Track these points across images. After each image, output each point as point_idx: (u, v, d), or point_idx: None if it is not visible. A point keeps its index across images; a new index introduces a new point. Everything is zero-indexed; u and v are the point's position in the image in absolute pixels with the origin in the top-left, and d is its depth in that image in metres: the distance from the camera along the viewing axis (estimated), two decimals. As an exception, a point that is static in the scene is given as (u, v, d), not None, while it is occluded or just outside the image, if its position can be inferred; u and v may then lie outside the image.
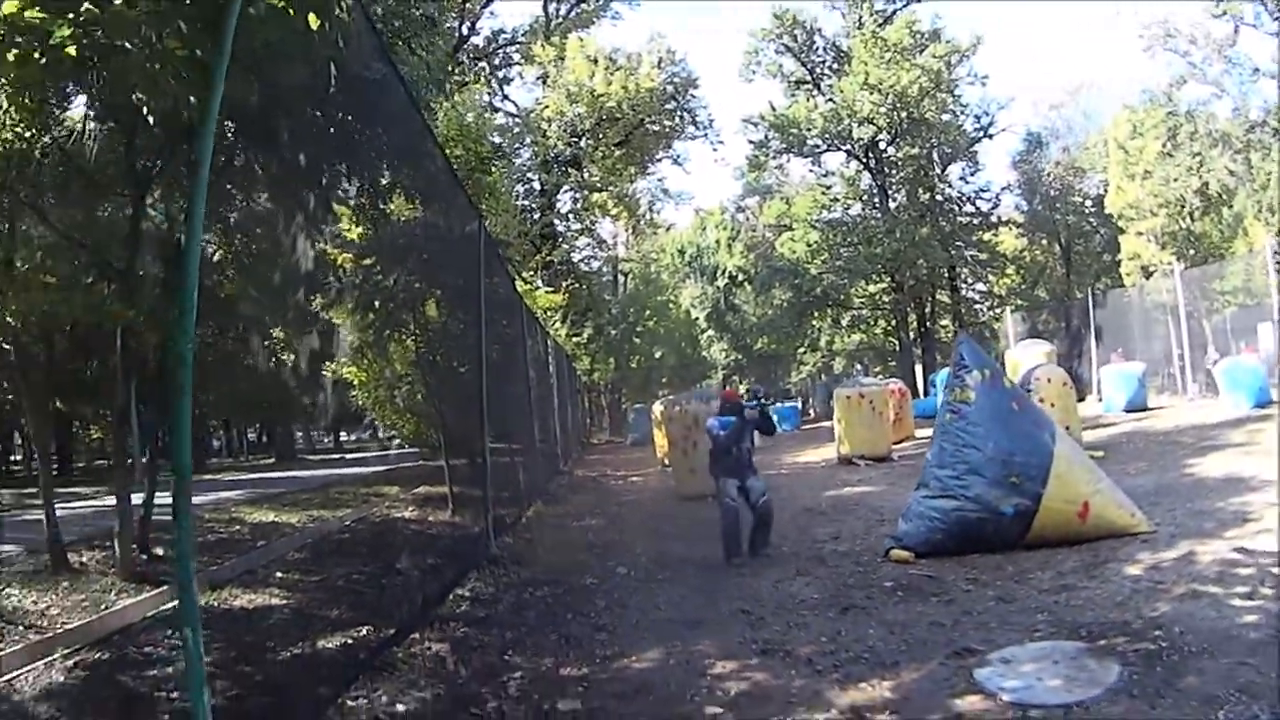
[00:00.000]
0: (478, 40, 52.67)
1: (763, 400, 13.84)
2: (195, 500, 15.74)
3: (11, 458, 42.31)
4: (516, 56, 57.12)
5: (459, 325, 15.31)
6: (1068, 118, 71.03)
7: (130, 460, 13.59)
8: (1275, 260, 35.81)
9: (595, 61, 53.47)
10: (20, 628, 9.27)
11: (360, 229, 13.49)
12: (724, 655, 8.07)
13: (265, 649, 8.37)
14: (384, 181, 11.58)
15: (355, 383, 19.11)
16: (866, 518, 15.35)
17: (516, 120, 55.17)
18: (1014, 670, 6.94)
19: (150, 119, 8.03)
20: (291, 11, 6.00)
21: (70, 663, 8.16)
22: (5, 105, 9.42)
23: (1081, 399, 35.09)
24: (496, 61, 55.94)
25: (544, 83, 56.04)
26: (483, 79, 51.22)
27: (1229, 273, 43.69)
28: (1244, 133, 49.14)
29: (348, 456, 48.11)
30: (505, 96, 57.23)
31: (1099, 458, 19.24)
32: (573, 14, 56.50)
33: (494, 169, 26.24)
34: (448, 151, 21.56)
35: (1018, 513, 11.11)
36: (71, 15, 6.21)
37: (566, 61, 53.54)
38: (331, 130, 9.34)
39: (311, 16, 6.10)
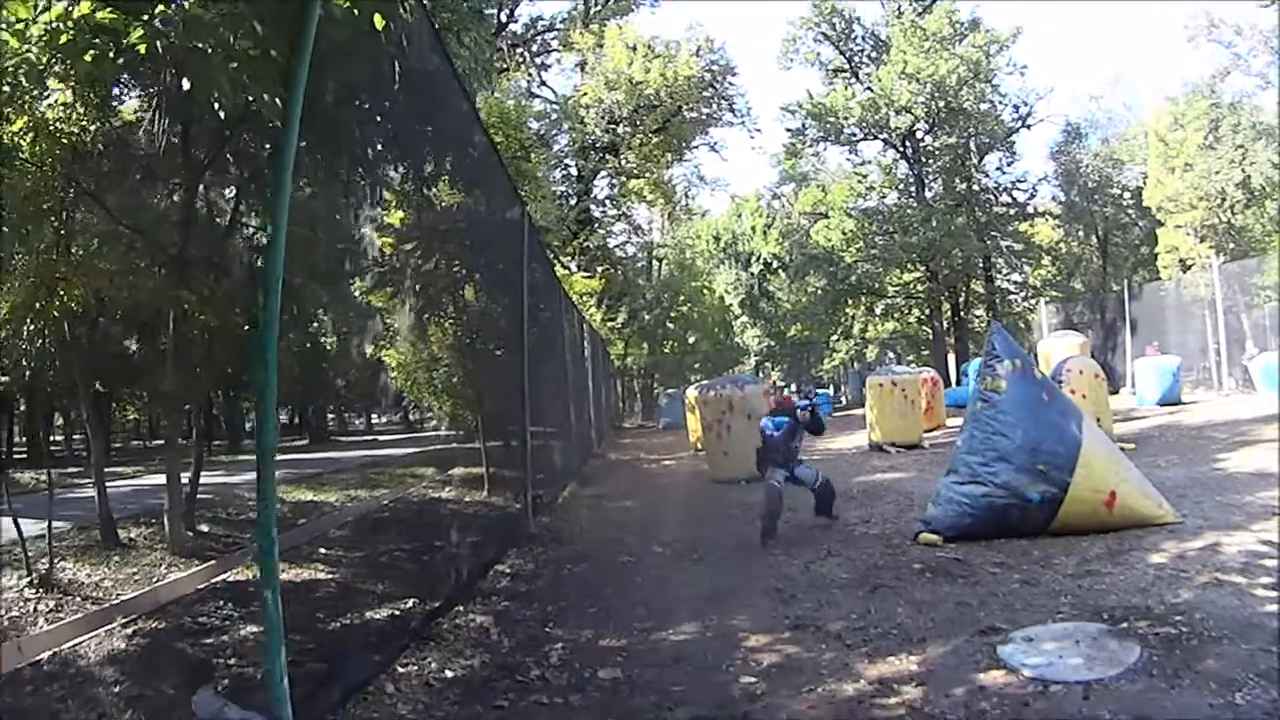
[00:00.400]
0: (516, 27, 52.64)
1: (813, 401, 14.37)
2: (232, 480, 16.16)
3: (53, 438, 42.82)
4: (555, 44, 56.96)
5: (499, 309, 15.56)
6: (1108, 109, 70.55)
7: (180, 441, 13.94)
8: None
9: (634, 49, 53.47)
10: (78, 599, 9.64)
11: (406, 215, 13.78)
12: (757, 630, 8.34)
13: (315, 619, 8.69)
14: (433, 169, 11.90)
15: (393, 365, 19.36)
16: (897, 502, 15.57)
17: (555, 107, 55.14)
18: (1036, 648, 7.15)
19: (213, 111, 8.38)
20: (357, 12, 6.32)
21: (129, 631, 8.51)
22: (72, 100, 9.77)
23: (1115, 392, 35.19)
24: (535, 48, 55.74)
25: (582, 70, 56.07)
26: (522, 66, 51.44)
27: (1270, 267, 43.20)
28: (1291, 126, 48.14)
29: (380, 438, 48.31)
30: (543, 83, 57.38)
31: (1129, 450, 19.26)
32: (612, 1, 56.30)
33: (534, 156, 26.45)
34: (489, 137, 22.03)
35: (1044, 500, 11.22)
36: (145, 17, 6.53)
37: (605, 49, 53.57)
38: (386, 122, 9.67)
39: (377, 17, 6.44)
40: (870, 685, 6.69)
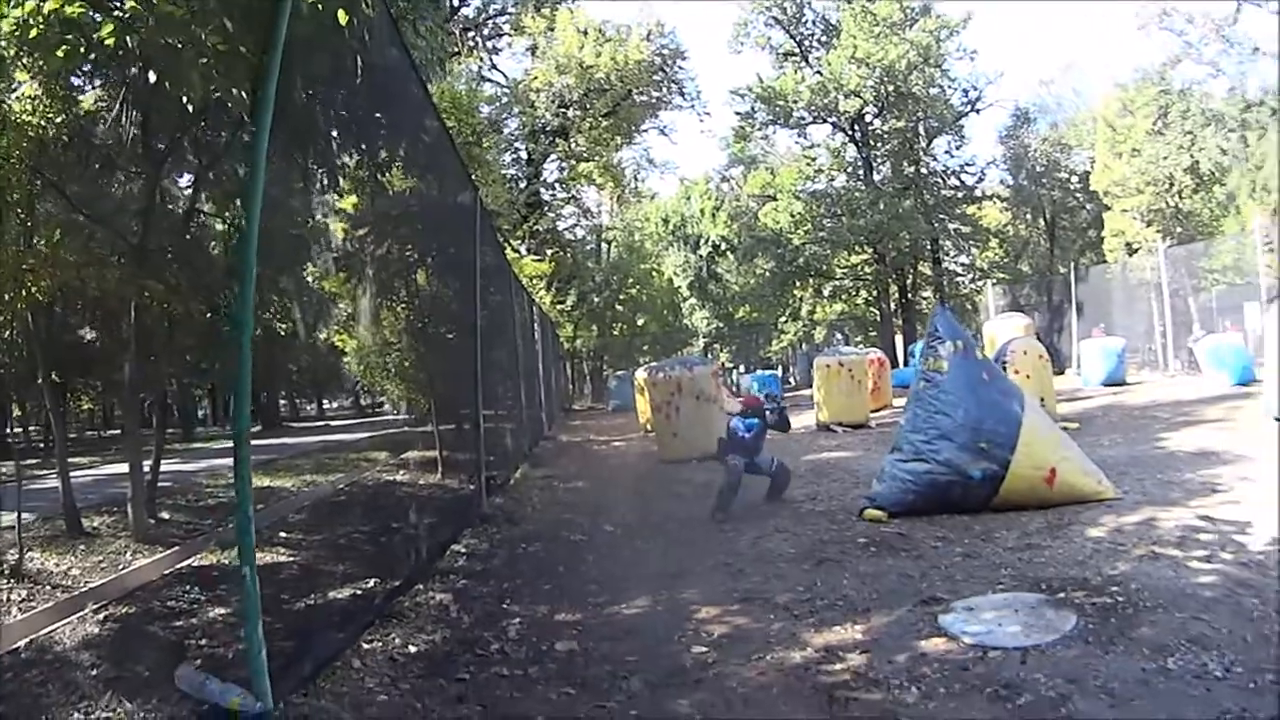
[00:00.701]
0: (469, 11, 52.44)
1: (781, 404, 15.09)
2: (189, 468, 16.41)
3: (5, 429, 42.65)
4: (506, 28, 56.74)
5: (451, 293, 15.77)
6: (1058, 94, 71.30)
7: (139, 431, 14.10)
8: (1265, 240, 36.37)
9: (585, 33, 53.64)
10: (48, 587, 9.85)
11: (361, 201, 13.99)
12: (707, 603, 8.64)
13: (280, 600, 8.92)
14: (388, 156, 12.13)
15: (347, 350, 19.53)
16: (843, 480, 15.96)
17: (505, 91, 55.28)
18: (976, 617, 7.47)
19: (176, 103, 8.60)
20: (321, 7, 6.57)
21: (101, 617, 8.74)
22: (39, 93, 9.95)
23: (1061, 372, 35.64)
24: (486, 32, 55.48)
25: (533, 54, 56.09)
26: (474, 50, 51.42)
27: (1218, 251, 44.03)
28: (1239, 112, 49.29)
29: (333, 424, 48.41)
30: (494, 67, 57.23)
31: (1073, 429, 20.05)
32: None
33: (485, 141, 26.67)
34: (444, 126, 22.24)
35: (986, 477, 11.55)
36: (115, 12, 6.76)
37: (556, 33, 53.67)
38: (346, 111, 9.91)
39: (340, 13, 6.69)
40: (817, 653, 6.99)
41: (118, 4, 7.31)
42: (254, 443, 21.88)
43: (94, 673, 7.15)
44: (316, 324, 19.49)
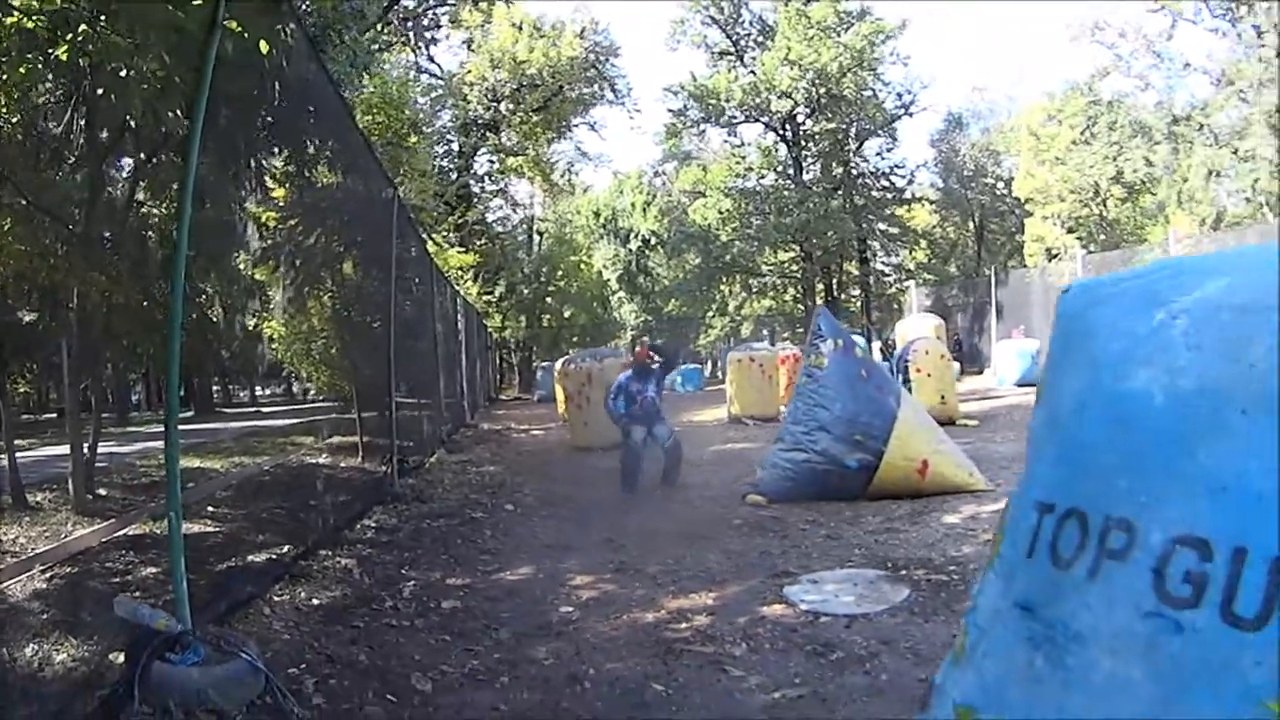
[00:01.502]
0: (409, 2, 52.30)
1: (663, 352, 16.37)
2: (122, 450, 17.18)
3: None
4: (444, 20, 55.96)
5: (371, 284, 16.41)
6: (991, 100, 72.30)
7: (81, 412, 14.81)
8: (1179, 249, 37.47)
9: (520, 28, 54.17)
10: (-1, 553, 10.72)
11: (286, 195, 14.66)
12: (584, 572, 9.49)
13: (204, 562, 9.73)
14: (310, 157, 12.95)
15: (274, 337, 20.17)
16: (739, 469, 16.37)
17: (440, 83, 55.54)
18: (818, 588, 8.29)
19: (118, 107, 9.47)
20: (246, 35, 7.50)
21: (47, 576, 9.57)
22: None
23: (979, 372, 36.59)
24: (426, 23, 54.90)
25: (469, 48, 56.64)
26: (410, 42, 51.53)
27: (1141, 259, 44.68)
28: (1166, 125, 50.06)
29: (264, 409, 48.58)
30: (431, 59, 56.68)
31: (971, 426, 21.08)
32: None
33: (413, 135, 27.20)
34: (370, 118, 22.93)
35: (861, 466, 12.34)
36: (70, 36, 7.66)
37: (492, 27, 54.20)
38: (270, 119, 10.79)
39: (262, 43, 7.64)
40: (668, 614, 7.80)
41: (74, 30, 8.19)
42: (188, 427, 22.54)
43: (44, 617, 7.96)
44: (245, 311, 20.05)
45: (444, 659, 6.88)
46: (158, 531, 11.51)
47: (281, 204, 14.76)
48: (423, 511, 13.42)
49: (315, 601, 8.29)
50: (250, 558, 10.06)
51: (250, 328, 20.93)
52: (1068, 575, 2.77)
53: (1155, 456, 2.61)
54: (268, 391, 70.40)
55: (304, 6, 10.23)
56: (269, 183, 13.51)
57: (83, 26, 7.81)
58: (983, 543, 9.48)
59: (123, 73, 8.39)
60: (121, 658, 5.83)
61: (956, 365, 38.77)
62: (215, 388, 55.72)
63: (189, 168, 6.33)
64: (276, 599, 8.22)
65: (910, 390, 20.63)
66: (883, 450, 12.48)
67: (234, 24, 7.25)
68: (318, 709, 5.79)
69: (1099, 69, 53.39)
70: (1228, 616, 2.32)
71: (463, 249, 43.31)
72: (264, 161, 12.28)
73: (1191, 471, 2.50)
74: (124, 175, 14.01)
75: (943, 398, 21.83)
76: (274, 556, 9.97)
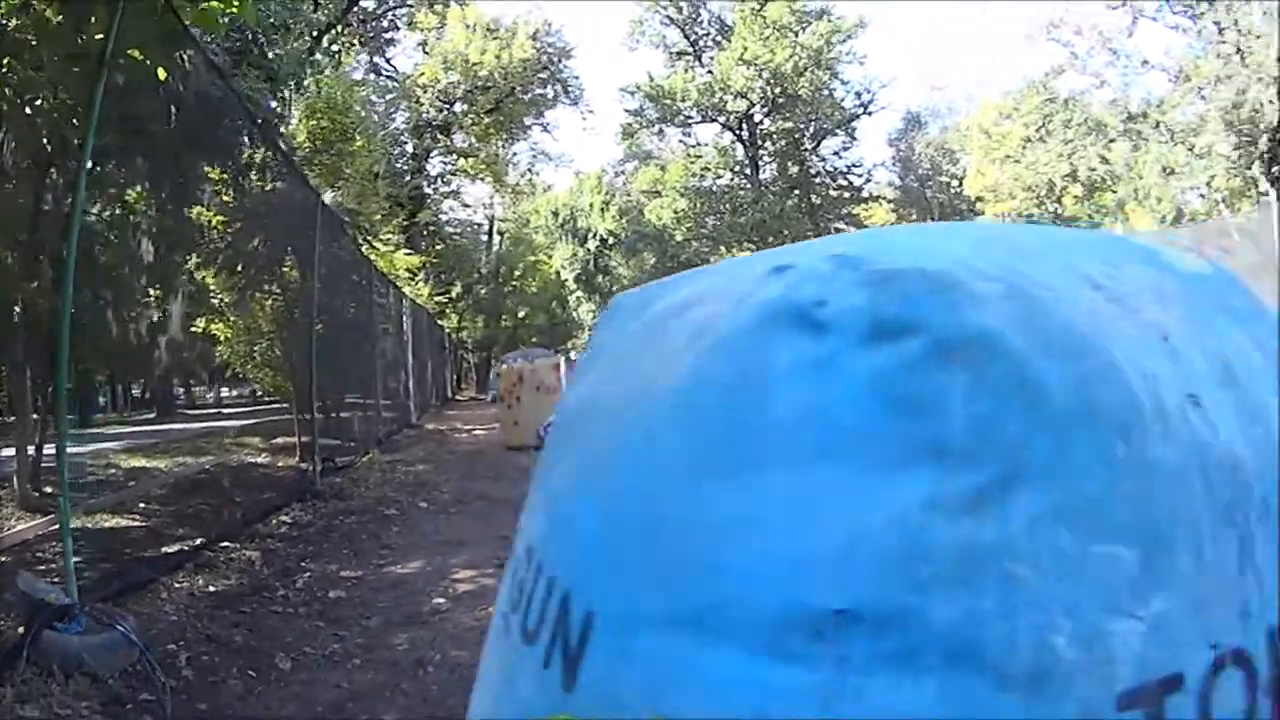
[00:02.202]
0: (369, 3, 52.26)
1: None
2: (79, 450, 17.74)
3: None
4: (401, 22, 56.42)
5: (301, 287, 16.92)
6: (951, 99, 72.91)
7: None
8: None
9: (473, 29, 54.61)
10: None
11: (220, 202, 15.17)
12: (469, 567, 9.99)
13: (120, 552, 10.34)
14: (232, 169, 13.58)
15: (221, 339, 20.59)
16: None
17: (395, 85, 55.96)
18: None
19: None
20: (148, 61, 8.13)
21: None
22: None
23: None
24: (384, 24, 55.17)
25: (424, 50, 56.96)
26: (369, 43, 51.54)
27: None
28: (1122, 122, 50.89)
29: (225, 411, 48.67)
30: (388, 60, 57.61)
31: None
32: None
33: (357, 138, 27.45)
34: (314, 122, 23.41)
35: None
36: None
37: (446, 29, 54.66)
38: (192, 132, 11.42)
39: (161, 70, 8.29)
40: None
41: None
42: (147, 428, 23.07)
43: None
44: (195, 315, 20.42)
45: (310, 642, 7.39)
46: (88, 525, 12.09)
47: (209, 212, 15.27)
48: (338, 508, 13.88)
49: (211, 589, 8.83)
50: (164, 549, 10.57)
51: (196, 329, 21.29)
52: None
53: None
54: (234, 393, 70.46)
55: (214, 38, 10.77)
56: (195, 192, 14.04)
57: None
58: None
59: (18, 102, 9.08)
60: (21, 628, 6.53)
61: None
62: (181, 390, 55.74)
63: (78, 186, 7.03)
64: (177, 585, 8.76)
65: None
66: None
67: (136, 52, 7.85)
68: (185, 679, 6.40)
69: (1054, 67, 53.94)
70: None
71: (411, 250, 43.48)
72: (183, 174, 12.83)
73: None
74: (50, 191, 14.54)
75: None
76: (184, 548, 10.46)
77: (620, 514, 1.85)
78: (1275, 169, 41.14)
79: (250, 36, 15.72)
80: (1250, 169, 44.06)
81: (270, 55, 15.90)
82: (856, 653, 1.55)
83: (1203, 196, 50.35)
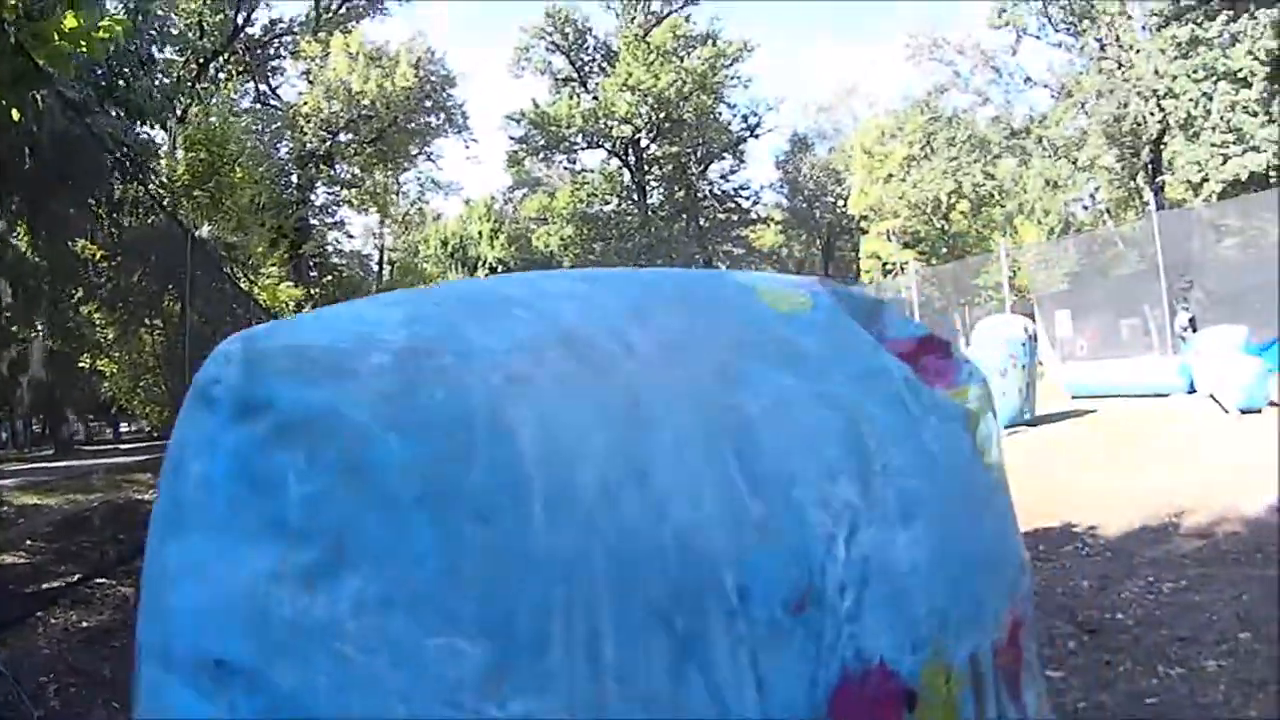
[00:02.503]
0: (255, 30, 51.96)
1: None
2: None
3: None
4: (286, 51, 56.73)
5: (185, 322, 16.92)
6: (836, 120, 73.49)
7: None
8: (1009, 260, 38.82)
9: (356, 58, 54.32)
10: None
11: (94, 239, 15.13)
12: None
13: (1, 588, 10.42)
14: (101, 203, 13.61)
15: (107, 374, 20.38)
16: None
17: (280, 114, 55.28)
18: None
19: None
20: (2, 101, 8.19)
21: None
22: None
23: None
24: (270, 52, 55.52)
25: (308, 79, 56.35)
26: (256, 71, 51.03)
27: (985, 269, 46.19)
28: (1005, 139, 51.89)
29: (122, 447, 48.32)
30: (273, 90, 57.42)
31: None
32: (343, 9, 56.14)
33: (238, 169, 27.25)
34: (192, 155, 23.32)
35: None
36: None
37: (330, 59, 54.14)
38: (55, 171, 11.45)
39: (14, 112, 8.35)
40: None
41: None
42: (44, 465, 23.03)
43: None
44: (83, 350, 20.28)
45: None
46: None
47: (91, 246, 15.22)
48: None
49: (84, 624, 8.89)
50: (43, 584, 10.60)
51: (87, 366, 21.13)
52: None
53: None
54: (132, 428, 69.57)
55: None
56: (65, 230, 14.03)
57: None
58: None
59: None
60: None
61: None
62: (78, 426, 55.11)
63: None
64: (53, 620, 8.84)
65: None
66: None
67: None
68: (51, 709, 6.49)
69: (937, 86, 54.91)
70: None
71: (296, 282, 43.03)
72: (51, 213, 12.85)
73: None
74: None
75: None
76: (63, 584, 10.46)
77: (145, 563, 1.89)
78: (1158, 179, 43.05)
79: (114, 70, 15.70)
80: (1134, 180, 46.07)
81: (135, 89, 15.82)
82: (240, 702, 1.62)
83: (1086, 208, 53.26)
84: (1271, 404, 16.63)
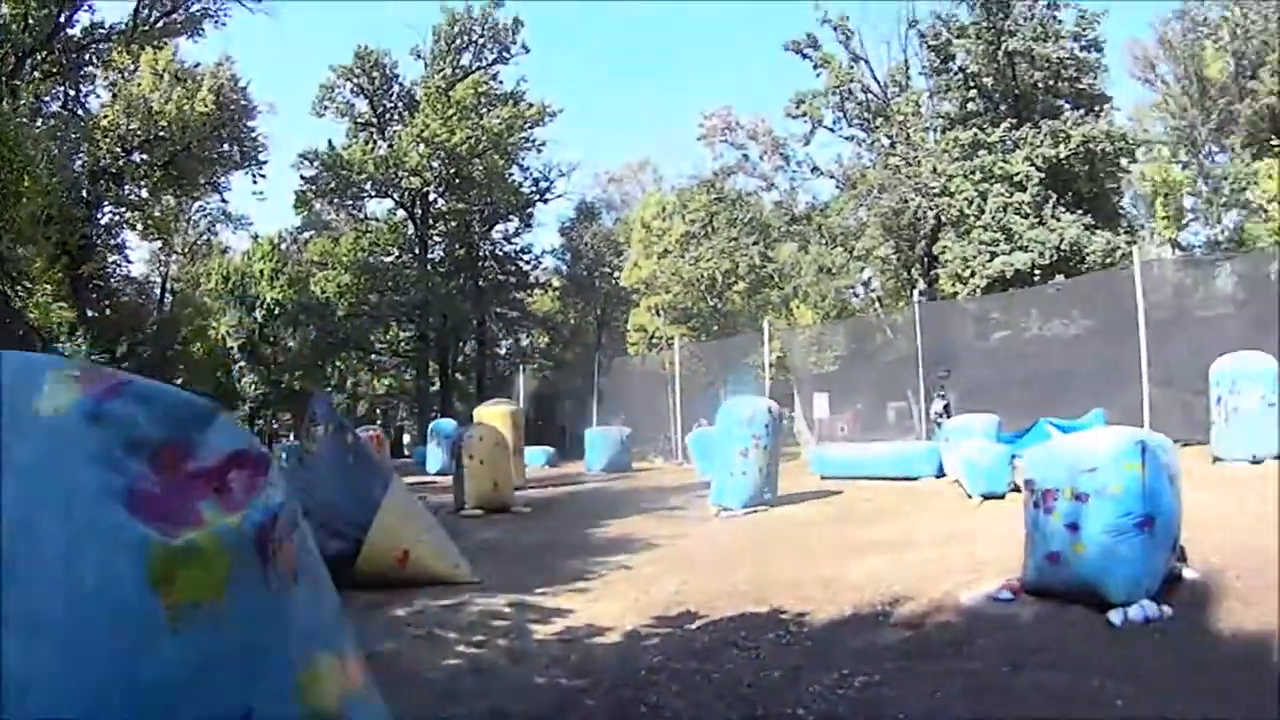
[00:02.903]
0: (75, 31, 48.61)
1: None
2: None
3: None
4: (97, 60, 52.85)
5: None
6: (626, 192, 73.98)
7: None
8: (774, 341, 39.71)
9: (161, 76, 53.08)
10: None
11: None
12: None
13: None
14: None
15: None
16: None
17: (81, 125, 51.96)
18: None
19: None
20: None
21: None
22: None
23: (582, 457, 36.93)
24: (86, 58, 51.95)
25: (112, 90, 54.39)
26: (66, 76, 49.11)
27: (759, 348, 46.39)
28: (786, 224, 53.71)
29: None
30: (81, 97, 54.17)
31: (524, 513, 22.08)
32: (160, 23, 51.92)
33: (27, 177, 26.57)
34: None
35: (339, 555, 11.87)
36: None
37: (138, 73, 52.83)
38: None
39: None
40: None
41: None
42: None
43: None
44: None
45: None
46: None
47: None
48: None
49: None
50: None
51: None
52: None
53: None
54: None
55: None
56: None
57: None
58: (412, 636, 10.18)
59: None
60: None
61: (551, 450, 41.59)
62: None
63: None
64: None
65: (464, 475, 21.90)
66: (361, 539, 12.64)
67: None
68: None
69: (724, 167, 55.98)
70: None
71: (68, 304, 41.76)
72: None
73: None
74: None
75: (495, 484, 22.38)
76: None
77: None
78: (931, 272, 45.42)
79: None
80: (908, 271, 48.78)
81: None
82: None
83: (858, 296, 55.77)
84: (1014, 489, 16.94)
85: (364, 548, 12.56)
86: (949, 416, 27.93)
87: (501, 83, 65.50)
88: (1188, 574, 9.64)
